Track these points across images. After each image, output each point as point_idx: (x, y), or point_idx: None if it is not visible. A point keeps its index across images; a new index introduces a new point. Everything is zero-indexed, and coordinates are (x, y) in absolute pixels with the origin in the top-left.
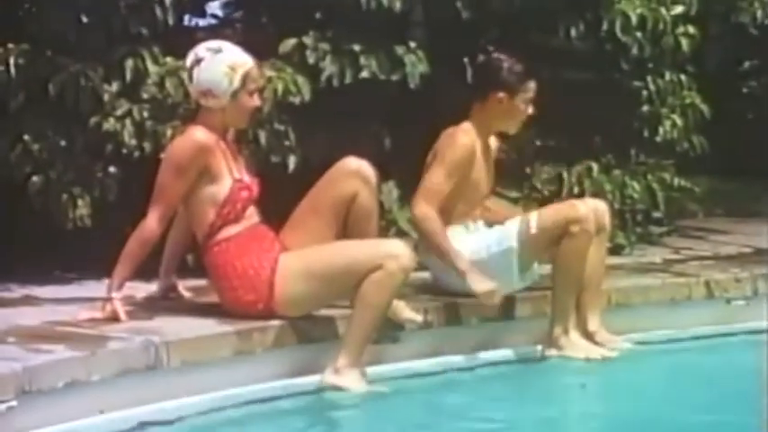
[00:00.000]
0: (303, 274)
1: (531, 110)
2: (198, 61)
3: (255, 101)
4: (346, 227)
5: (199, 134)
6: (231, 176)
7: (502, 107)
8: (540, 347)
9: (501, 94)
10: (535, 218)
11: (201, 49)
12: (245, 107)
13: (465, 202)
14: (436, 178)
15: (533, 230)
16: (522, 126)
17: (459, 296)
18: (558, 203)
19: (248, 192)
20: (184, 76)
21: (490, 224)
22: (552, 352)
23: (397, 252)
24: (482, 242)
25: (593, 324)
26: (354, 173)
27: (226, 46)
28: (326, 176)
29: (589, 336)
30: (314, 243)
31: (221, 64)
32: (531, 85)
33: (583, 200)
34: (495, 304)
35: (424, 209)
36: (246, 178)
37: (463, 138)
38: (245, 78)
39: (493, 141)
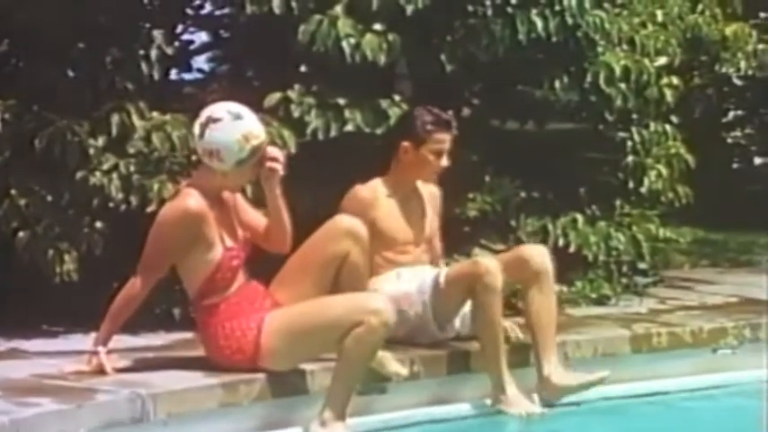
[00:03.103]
0: (287, 330)
1: (445, 162)
2: (214, 120)
3: (256, 173)
4: (337, 284)
5: (191, 202)
6: (222, 245)
7: (408, 157)
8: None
9: (405, 144)
10: (444, 272)
11: (221, 110)
12: (245, 177)
13: (385, 249)
14: None
15: (442, 285)
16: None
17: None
18: (465, 261)
19: (238, 260)
20: (193, 131)
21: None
22: (498, 406)
23: (378, 307)
24: (405, 291)
25: (548, 368)
26: (346, 232)
27: (246, 114)
28: (318, 234)
29: (545, 380)
30: (303, 301)
31: (237, 131)
32: (442, 136)
33: (520, 246)
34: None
35: None
36: (237, 243)
37: (356, 192)
38: (255, 151)
39: (426, 189)
